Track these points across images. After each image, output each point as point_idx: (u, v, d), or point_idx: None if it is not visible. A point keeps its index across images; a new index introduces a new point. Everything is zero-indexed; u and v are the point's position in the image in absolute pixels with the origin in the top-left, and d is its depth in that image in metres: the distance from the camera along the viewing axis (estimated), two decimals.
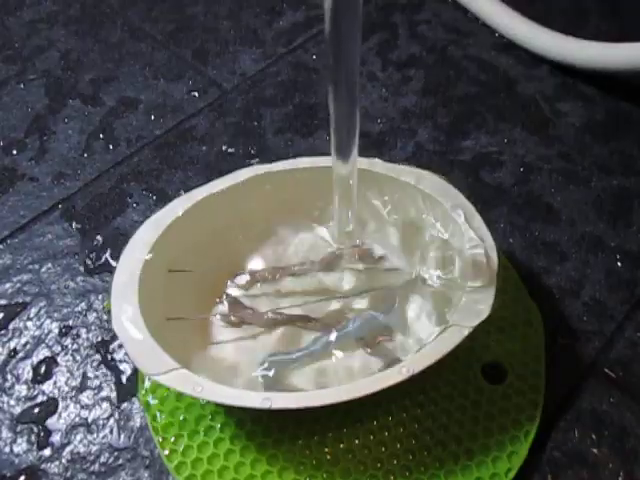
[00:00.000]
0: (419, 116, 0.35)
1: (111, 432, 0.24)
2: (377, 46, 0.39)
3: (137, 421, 0.25)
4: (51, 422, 0.25)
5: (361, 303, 0.25)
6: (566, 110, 0.35)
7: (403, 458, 0.23)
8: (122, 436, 0.24)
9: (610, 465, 0.23)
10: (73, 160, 0.33)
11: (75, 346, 0.27)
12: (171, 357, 0.21)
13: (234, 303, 0.25)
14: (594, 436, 0.24)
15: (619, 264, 0.29)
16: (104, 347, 0.27)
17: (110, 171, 0.33)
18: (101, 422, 0.25)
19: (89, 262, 0.29)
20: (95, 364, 0.26)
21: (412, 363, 0.20)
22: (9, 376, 0.26)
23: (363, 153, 0.23)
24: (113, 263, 0.29)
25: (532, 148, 0.33)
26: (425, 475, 0.22)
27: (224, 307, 0.25)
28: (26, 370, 0.26)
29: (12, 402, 0.25)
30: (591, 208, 0.31)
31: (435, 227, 0.25)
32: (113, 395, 0.25)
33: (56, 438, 0.24)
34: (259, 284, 0.26)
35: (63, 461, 0.24)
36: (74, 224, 0.31)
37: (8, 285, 0.29)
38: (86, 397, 0.25)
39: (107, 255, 0.30)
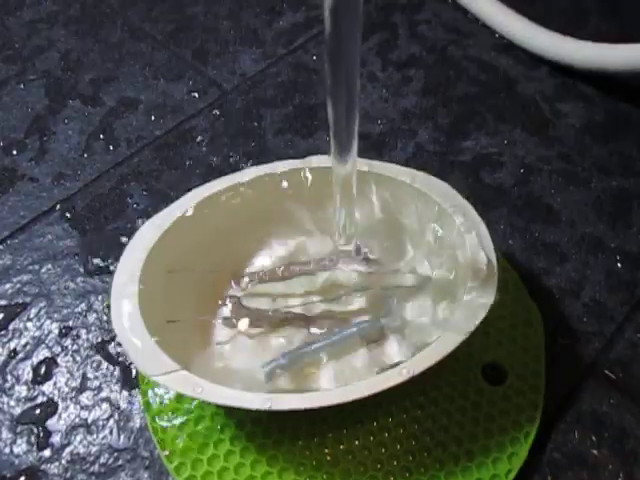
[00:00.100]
0: (419, 117, 0.35)
1: (111, 433, 0.24)
2: (377, 46, 0.39)
3: (137, 422, 0.25)
4: (51, 423, 0.25)
5: (361, 303, 0.25)
6: (566, 111, 0.35)
7: (403, 459, 0.23)
8: (122, 437, 0.24)
9: (610, 466, 0.23)
10: (73, 160, 0.33)
11: (75, 347, 0.27)
12: (171, 358, 0.21)
13: (236, 304, 0.25)
14: (594, 437, 0.24)
15: (619, 265, 0.29)
16: (104, 348, 0.27)
17: (110, 171, 0.33)
18: (101, 423, 0.25)
19: (89, 263, 0.29)
20: (95, 365, 0.26)
21: (412, 364, 0.20)
22: (9, 377, 0.26)
23: (363, 154, 0.23)
24: (113, 264, 0.29)
25: (532, 149, 0.33)
26: (425, 476, 0.22)
27: (226, 309, 0.25)
28: (26, 371, 0.26)
29: (12, 403, 0.25)
30: (591, 209, 0.31)
31: (435, 227, 0.25)
32: (113, 396, 0.25)
33: (56, 439, 0.24)
34: (260, 285, 0.26)
35: (63, 462, 0.24)
36: (74, 225, 0.31)
37: (8, 286, 0.29)
38: (86, 398, 0.25)
39: (107, 256, 0.30)
